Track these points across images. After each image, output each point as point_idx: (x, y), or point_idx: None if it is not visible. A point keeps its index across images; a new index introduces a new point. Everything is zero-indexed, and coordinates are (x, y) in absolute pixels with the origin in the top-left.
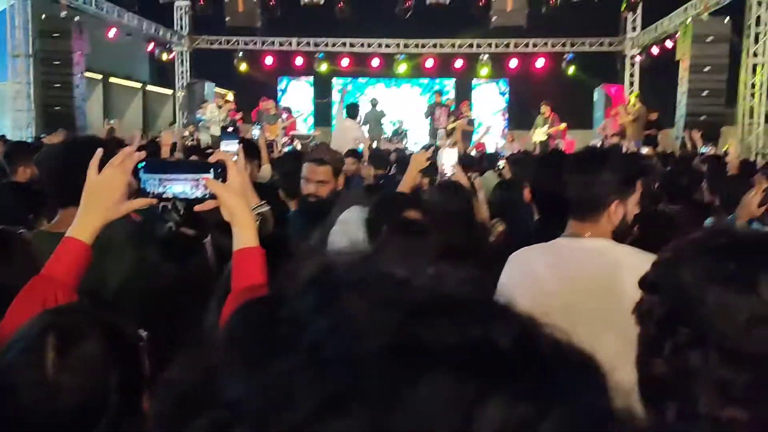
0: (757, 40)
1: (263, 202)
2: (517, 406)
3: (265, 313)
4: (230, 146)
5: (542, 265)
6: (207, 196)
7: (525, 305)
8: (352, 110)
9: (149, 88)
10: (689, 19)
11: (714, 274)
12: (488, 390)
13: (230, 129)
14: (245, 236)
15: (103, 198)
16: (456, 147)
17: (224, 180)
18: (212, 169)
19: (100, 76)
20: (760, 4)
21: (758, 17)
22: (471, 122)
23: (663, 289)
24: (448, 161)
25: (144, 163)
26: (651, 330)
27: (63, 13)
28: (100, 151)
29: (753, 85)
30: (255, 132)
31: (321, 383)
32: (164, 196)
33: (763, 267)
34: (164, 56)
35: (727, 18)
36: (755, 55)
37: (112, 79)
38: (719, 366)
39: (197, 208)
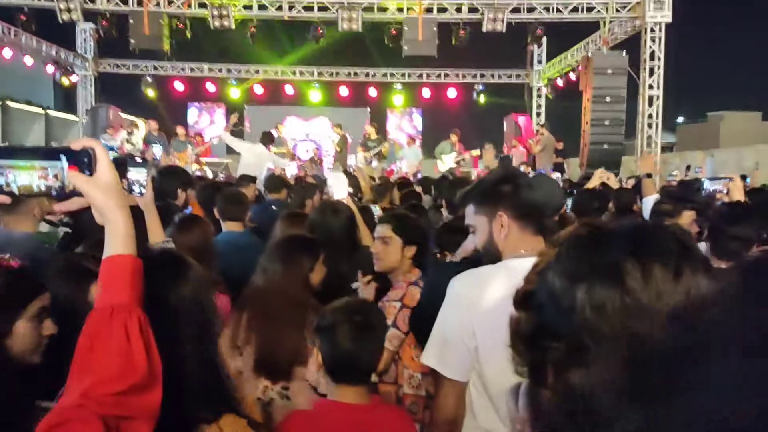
0: (652, 73)
1: (168, 239)
2: None
3: None
4: (139, 175)
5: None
6: (59, 191)
7: None
8: (266, 138)
9: (52, 113)
10: (590, 53)
11: (579, 272)
12: None
13: (138, 158)
14: (114, 242)
15: None
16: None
17: (92, 173)
18: (66, 157)
19: None
20: (653, 40)
21: (652, 52)
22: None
23: (531, 302)
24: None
25: None
26: (520, 351)
27: None
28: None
29: (650, 116)
30: (156, 151)
31: None
32: (8, 190)
33: (627, 255)
34: (66, 80)
35: (624, 52)
36: (651, 87)
37: (11, 104)
38: (604, 377)
39: (57, 207)
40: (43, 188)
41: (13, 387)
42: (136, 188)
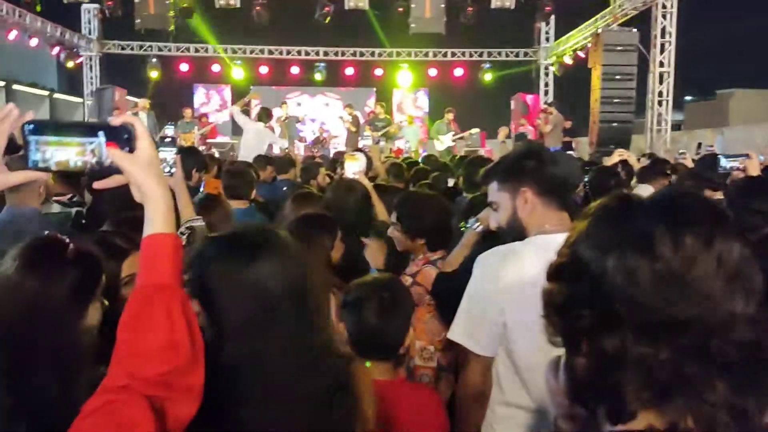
0: (662, 50)
1: (198, 217)
2: None
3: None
4: (166, 155)
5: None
6: (94, 167)
7: None
8: (264, 114)
9: (57, 95)
10: (600, 30)
11: (609, 242)
12: None
13: (167, 138)
14: (155, 221)
15: None
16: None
17: (131, 150)
18: (105, 133)
19: (2, 83)
20: (664, 16)
21: (663, 28)
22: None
23: (564, 274)
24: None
25: (32, 124)
26: (554, 321)
27: None
28: None
29: (660, 93)
30: (168, 132)
31: None
32: (44, 166)
33: (657, 224)
34: (71, 61)
35: (635, 29)
36: (661, 64)
37: (16, 86)
38: (636, 343)
39: (97, 184)
40: (80, 164)
41: (86, 369)
42: (165, 168)
